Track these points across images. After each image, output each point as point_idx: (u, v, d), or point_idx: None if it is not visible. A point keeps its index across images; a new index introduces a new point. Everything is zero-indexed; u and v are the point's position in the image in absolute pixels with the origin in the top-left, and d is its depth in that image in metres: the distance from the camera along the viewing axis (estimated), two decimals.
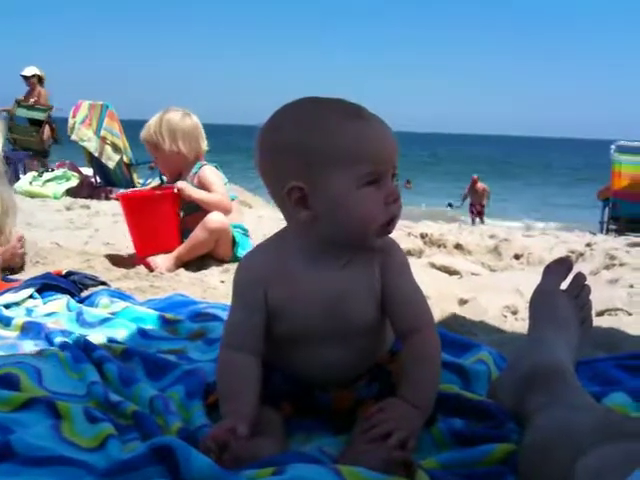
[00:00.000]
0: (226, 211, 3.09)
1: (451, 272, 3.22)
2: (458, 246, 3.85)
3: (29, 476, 1.06)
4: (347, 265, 1.27)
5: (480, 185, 16.15)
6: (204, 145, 3.24)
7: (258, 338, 1.29)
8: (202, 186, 3.13)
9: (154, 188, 3.40)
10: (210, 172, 3.17)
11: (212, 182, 3.12)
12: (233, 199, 3.32)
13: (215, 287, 2.71)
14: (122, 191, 4.10)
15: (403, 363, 1.28)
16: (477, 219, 15.40)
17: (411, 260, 3.58)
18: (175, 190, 3.05)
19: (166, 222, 3.09)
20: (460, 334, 2.01)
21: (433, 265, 3.32)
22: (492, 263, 3.52)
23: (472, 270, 3.27)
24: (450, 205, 18.83)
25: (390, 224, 1.23)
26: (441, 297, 2.66)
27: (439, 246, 3.89)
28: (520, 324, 2.28)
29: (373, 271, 1.28)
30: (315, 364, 1.31)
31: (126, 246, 3.30)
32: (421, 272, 3.19)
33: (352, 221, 1.20)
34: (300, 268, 1.27)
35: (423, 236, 3.95)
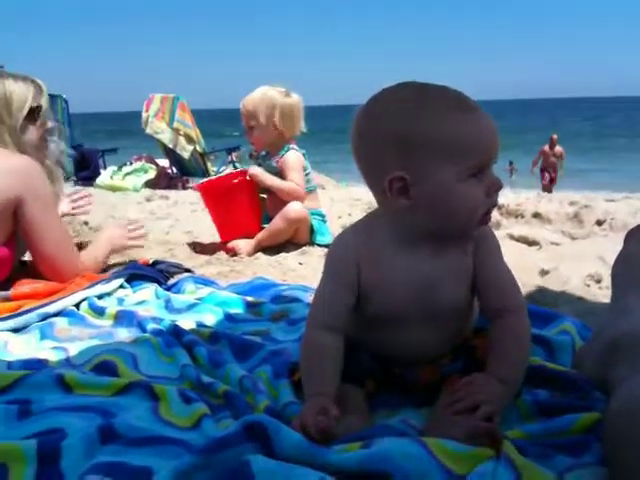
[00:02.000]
0: (298, 199, 3.12)
1: (530, 242, 3.16)
2: (537, 215, 3.76)
3: (133, 455, 1.13)
4: (440, 252, 1.28)
5: (559, 148, 13.85)
6: (300, 126, 3.26)
7: (346, 317, 1.31)
8: (281, 169, 3.18)
9: (229, 175, 3.47)
10: (293, 158, 3.19)
11: (290, 168, 3.16)
12: (314, 189, 3.35)
13: (294, 269, 2.76)
14: (200, 181, 4.20)
15: (492, 340, 1.28)
16: (547, 187, 12.91)
17: None
18: (248, 177, 3.12)
19: (244, 208, 3.17)
20: (542, 305, 1.99)
21: (512, 236, 3.26)
22: (573, 231, 3.42)
23: (552, 239, 3.19)
24: (511, 163, 17.86)
25: (488, 213, 1.24)
26: (521, 269, 2.61)
27: (517, 216, 3.81)
28: (604, 293, 2.23)
29: (465, 256, 1.29)
30: (404, 344, 1.33)
31: (210, 234, 3.39)
32: (500, 244, 3.14)
33: (454, 213, 1.20)
34: (393, 252, 1.28)
35: (500, 207, 3.87)
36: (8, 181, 2.14)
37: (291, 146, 3.23)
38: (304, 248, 3.08)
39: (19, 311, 2.04)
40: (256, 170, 3.14)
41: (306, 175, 3.26)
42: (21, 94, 2.30)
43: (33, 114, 2.33)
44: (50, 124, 2.44)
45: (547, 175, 13.77)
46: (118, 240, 2.63)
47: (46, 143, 2.44)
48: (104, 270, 2.52)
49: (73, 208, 2.95)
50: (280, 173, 3.18)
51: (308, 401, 1.22)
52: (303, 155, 3.26)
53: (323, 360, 1.29)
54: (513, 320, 1.27)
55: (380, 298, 1.30)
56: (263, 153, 3.31)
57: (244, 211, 3.17)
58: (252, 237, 3.15)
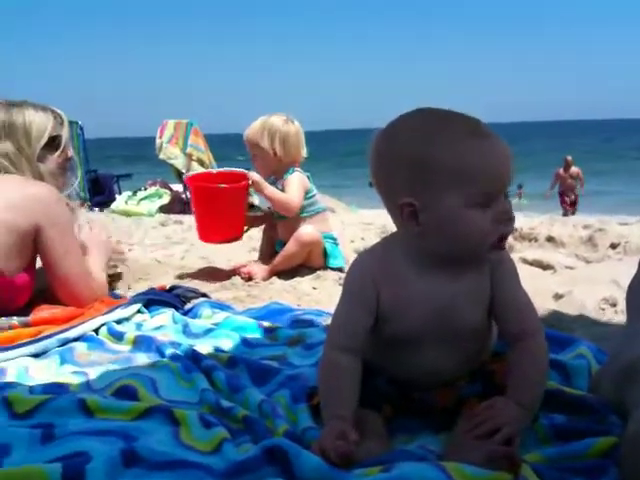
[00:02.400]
0: (288, 211, 3.17)
1: (544, 266, 3.17)
2: (550, 239, 3.77)
3: (156, 478, 1.14)
4: (457, 275, 1.29)
5: (575, 169, 13.51)
6: (303, 152, 3.32)
7: (363, 338, 1.32)
8: (283, 189, 3.23)
9: (223, 173, 3.38)
10: (296, 179, 3.24)
11: (290, 185, 3.21)
12: (323, 210, 3.38)
13: (309, 294, 2.78)
14: (191, 173, 4.13)
15: (510, 364, 1.29)
16: (569, 211, 12.80)
17: None
18: (250, 182, 3.13)
19: (237, 212, 3.17)
20: (557, 330, 1.99)
21: (525, 260, 3.27)
22: (587, 254, 3.43)
23: (566, 263, 3.20)
24: (520, 187, 17.66)
25: (502, 241, 1.25)
26: (536, 293, 2.61)
27: (530, 240, 3.82)
28: (619, 317, 2.24)
29: (483, 280, 1.30)
30: (421, 366, 1.34)
31: (226, 259, 3.42)
32: (516, 268, 3.15)
33: (461, 240, 1.22)
34: (410, 275, 1.30)
35: (513, 231, 3.88)
36: (28, 209, 2.19)
37: (295, 169, 3.29)
38: (318, 272, 3.11)
39: (39, 337, 2.06)
40: (256, 176, 3.16)
41: (311, 197, 3.29)
42: (40, 124, 2.36)
43: (52, 143, 2.38)
44: (70, 153, 2.49)
45: (567, 198, 13.45)
46: (102, 245, 2.72)
47: (65, 172, 2.49)
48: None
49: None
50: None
51: (327, 425, 1.23)
52: (307, 177, 3.32)
53: (341, 381, 1.30)
54: (531, 343, 1.29)
55: (398, 319, 1.31)
56: (271, 179, 3.36)
57: (236, 215, 3.17)
58: (233, 240, 3.21)
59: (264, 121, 3.27)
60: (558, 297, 2.55)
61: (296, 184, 3.21)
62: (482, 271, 1.30)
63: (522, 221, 4.41)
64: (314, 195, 3.32)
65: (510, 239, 3.75)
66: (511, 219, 1.24)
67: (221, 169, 3.55)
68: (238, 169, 3.26)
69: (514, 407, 1.19)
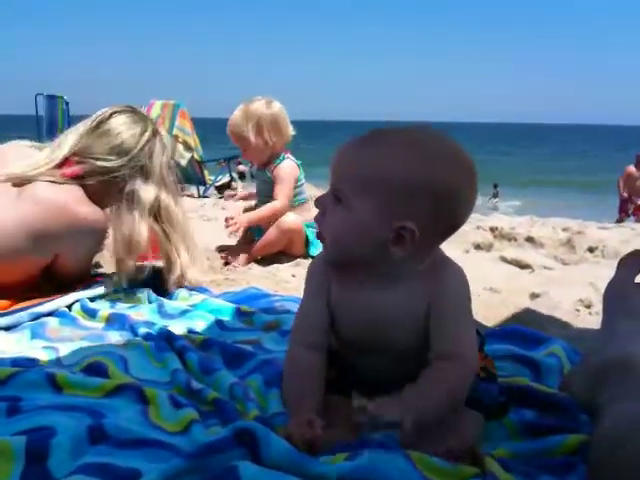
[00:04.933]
0: (279, 216, 3.13)
1: (522, 266, 3.18)
2: (530, 239, 3.79)
3: (121, 457, 1.13)
4: (391, 289, 1.24)
5: None
6: (289, 131, 3.26)
7: (324, 332, 1.31)
8: (274, 178, 3.20)
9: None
10: (287, 168, 3.20)
11: (281, 180, 3.17)
12: (306, 200, 3.35)
13: (287, 281, 2.77)
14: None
15: (419, 378, 1.20)
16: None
17: (481, 254, 3.56)
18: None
19: None
20: (532, 328, 2.01)
21: (504, 259, 3.29)
22: (565, 256, 3.45)
23: (544, 264, 3.21)
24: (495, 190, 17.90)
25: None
26: (512, 291, 2.64)
27: (510, 239, 3.84)
28: (594, 318, 2.25)
29: (420, 298, 1.23)
30: (368, 370, 1.32)
31: (203, 242, 3.39)
32: (491, 266, 3.17)
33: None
34: (353, 283, 1.27)
35: (493, 229, 3.91)
36: (74, 236, 2.18)
37: (287, 156, 3.25)
38: (298, 260, 3.10)
39: (10, 309, 2.04)
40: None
41: (299, 186, 3.27)
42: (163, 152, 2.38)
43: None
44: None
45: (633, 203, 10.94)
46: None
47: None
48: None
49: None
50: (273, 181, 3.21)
51: (292, 416, 1.22)
52: (298, 166, 3.28)
53: (304, 377, 1.29)
54: (446, 365, 1.19)
55: (338, 320, 1.30)
56: (256, 167, 3.33)
57: None
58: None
59: (245, 111, 3.19)
60: (534, 296, 2.56)
61: (286, 177, 3.18)
62: (420, 290, 1.23)
63: (503, 220, 4.44)
64: (302, 184, 3.30)
65: (490, 237, 3.78)
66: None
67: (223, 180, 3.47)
68: (233, 178, 3.19)
69: (408, 419, 1.10)
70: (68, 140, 2.28)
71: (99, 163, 2.24)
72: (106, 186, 2.26)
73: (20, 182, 2.15)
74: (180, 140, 9.12)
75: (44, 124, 9.87)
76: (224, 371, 1.53)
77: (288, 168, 3.21)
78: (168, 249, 2.34)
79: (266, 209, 3.16)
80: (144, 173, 2.31)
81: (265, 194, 3.28)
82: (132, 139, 2.29)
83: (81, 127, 2.31)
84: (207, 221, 4.35)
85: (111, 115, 2.31)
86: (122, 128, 2.30)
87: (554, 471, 1.11)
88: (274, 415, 1.32)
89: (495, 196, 18.83)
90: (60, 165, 2.22)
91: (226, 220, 3.11)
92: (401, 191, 1.14)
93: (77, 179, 2.22)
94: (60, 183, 2.18)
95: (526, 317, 2.26)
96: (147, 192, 2.29)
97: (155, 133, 2.37)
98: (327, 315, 1.31)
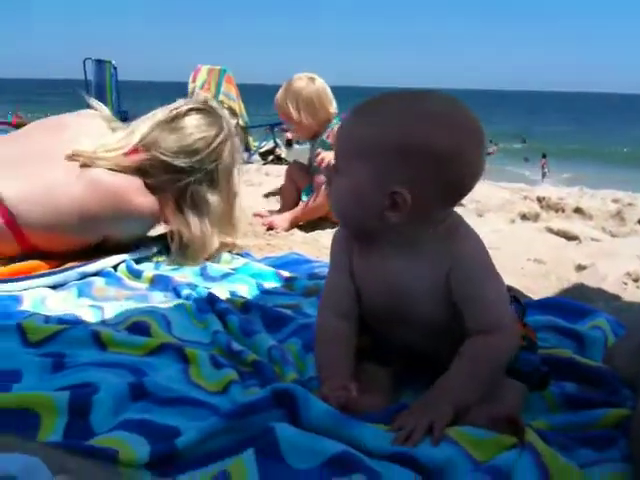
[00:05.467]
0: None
1: (569, 237, 3.11)
2: (578, 210, 3.70)
3: (160, 414, 1.16)
4: (407, 256, 1.22)
5: None
6: (331, 109, 3.31)
7: (352, 300, 1.30)
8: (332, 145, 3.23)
9: None
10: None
11: None
12: None
13: (328, 247, 2.75)
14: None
15: (456, 357, 1.18)
16: None
17: (526, 224, 3.48)
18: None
19: None
20: (577, 300, 1.97)
21: (550, 229, 3.22)
22: (614, 229, 3.36)
23: (592, 235, 3.14)
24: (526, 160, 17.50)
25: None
26: (558, 263, 2.59)
27: (557, 210, 3.75)
28: None
29: (441, 266, 1.19)
30: (399, 341, 1.31)
31: (249, 207, 3.42)
32: (537, 236, 3.11)
33: None
34: (371, 252, 1.26)
35: (540, 200, 3.82)
36: (124, 222, 2.21)
37: (333, 123, 3.27)
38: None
39: (59, 268, 2.09)
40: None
41: None
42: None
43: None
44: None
45: None
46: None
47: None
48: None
49: None
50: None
51: (325, 382, 1.21)
52: None
53: (334, 344, 1.28)
54: (481, 340, 1.17)
55: (361, 291, 1.29)
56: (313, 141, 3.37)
57: None
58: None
59: (285, 90, 3.29)
60: (581, 268, 2.51)
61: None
62: (440, 257, 1.19)
63: (550, 191, 4.34)
64: None
65: (537, 207, 3.70)
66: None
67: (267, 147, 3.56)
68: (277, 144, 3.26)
69: (443, 407, 1.11)
70: (141, 129, 2.27)
71: (164, 159, 2.23)
72: (169, 182, 2.26)
73: (85, 163, 2.16)
74: (226, 106, 9.13)
75: (92, 88, 10.01)
76: (264, 334, 1.55)
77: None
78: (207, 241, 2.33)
79: (310, 208, 3.17)
80: (210, 178, 2.29)
81: (314, 167, 3.29)
82: (202, 142, 2.26)
83: (157, 116, 2.29)
84: (250, 186, 4.36)
85: (187, 112, 2.29)
86: (195, 129, 2.27)
87: (594, 444, 1.09)
88: (311, 379, 1.33)
89: (543, 167, 18.42)
90: (128, 153, 2.23)
91: (260, 217, 3.14)
92: (395, 155, 1.11)
93: (141, 169, 2.22)
94: (123, 172, 2.18)
95: (572, 289, 2.22)
96: (214, 200, 2.29)
97: (228, 137, 2.33)
98: (352, 283, 1.30)
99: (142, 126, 2.28)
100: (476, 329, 1.18)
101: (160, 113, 2.31)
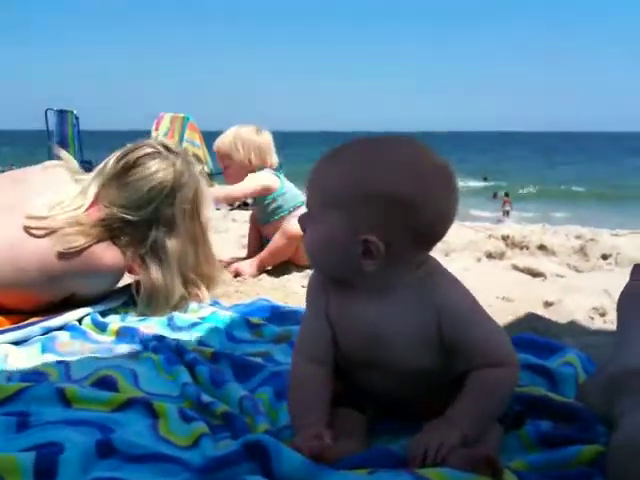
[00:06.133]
0: (238, 193, 3.35)
1: (535, 274, 3.15)
2: (542, 247, 3.76)
3: (130, 471, 1.12)
4: (385, 302, 1.21)
5: None
6: (273, 160, 3.39)
7: (327, 345, 1.28)
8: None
9: None
10: (259, 174, 3.30)
11: (249, 177, 3.28)
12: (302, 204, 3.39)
13: (297, 292, 2.76)
14: None
15: (464, 388, 1.18)
16: None
17: (492, 262, 3.53)
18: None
19: None
20: (546, 337, 1.98)
21: (516, 267, 3.26)
22: (578, 264, 3.41)
23: (557, 271, 3.18)
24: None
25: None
26: (525, 299, 2.61)
27: (522, 248, 3.81)
28: (608, 326, 2.22)
29: (426, 313, 1.19)
30: (376, 388, 1.29)
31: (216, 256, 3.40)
32: (503, 274, 3.15)
33: None
34: (349, 296, 1.25)
35: (505, 238, 3.88)
36: (91, 279, 2.19)
37: (266, 167, 3.35)
38: (307, 271, 3.08)
39: (21, 324, 2.04)
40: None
41: (282, 195, 3.32)
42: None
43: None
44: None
45: None
46: None
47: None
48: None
49: None
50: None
51: (299, 431, 1.19)
52: (278, 177, 3.36)
53: (308, 391, 1.26)
54: (489, 374, 1.18)
55: (338, 337, 1.27)
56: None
57: None
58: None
59: (236, 133, 3.35)
60: (548, 305, 2.53)
61: (255, 177, 3.27)
62: (422, 302, 1.19)
63: (514, 229, 4.40)
64: (285, 193, 3.34)
65: (502, 246, 3.75)
66: None
67: None
68: None
69: (455, 435, 1.11)
70: (92, 188, 2.23)
71: (120, 215, 2.21)
72: (130, 233, 2.24)
73: (38, 227, 2.10)
74: (190, 153, 9.16)
75: (54, 139, 9.96)
76: (234, 384, 1.52)
77: (261, 173, 3.30)
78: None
79: (274, 249, 3.19)
80: (168, 223, 2.26)
81: (268, 215, 3.35)
82: (155, 190, 2.23)
83: (106, 170, 2.25)
84: (217, 234, 4.34)
85: (136, 161, 2.25)
86: (145, 181, 2.23)
87: None
88: (284, 428, 1.31)
89: (505, 205, 18.82)
90: (88, 209, 2.20)
91: (226, 268, 3.13)
92: (364, 203, 1.13)
93: (104, 224, 2.19)
94: (84, 228, 2.15)
95: (540, 326, 2.23)
96: (172, 245, 2.26)
97: (184, 177, 2.30)
98: (328, 329, 1.28)
99: (93, 184, 2.24)
100: (484, 364, 1.18)
101: (110, 165, 2.26)
